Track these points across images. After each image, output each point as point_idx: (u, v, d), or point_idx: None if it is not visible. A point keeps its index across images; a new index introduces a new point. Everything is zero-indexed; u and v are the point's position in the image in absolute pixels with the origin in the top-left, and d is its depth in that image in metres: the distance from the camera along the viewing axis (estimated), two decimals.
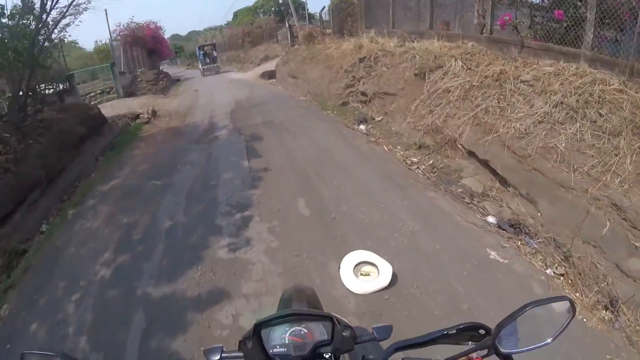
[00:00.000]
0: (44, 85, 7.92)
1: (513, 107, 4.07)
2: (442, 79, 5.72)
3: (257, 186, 4.49)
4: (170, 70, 26.60)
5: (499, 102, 4.31)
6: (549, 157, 3.42)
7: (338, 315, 0.82)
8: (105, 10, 14.60)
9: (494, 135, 4.07)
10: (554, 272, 2.88)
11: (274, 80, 14.56)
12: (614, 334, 2.48)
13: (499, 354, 0.68)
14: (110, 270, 3.31)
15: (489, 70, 4.93)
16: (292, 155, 5.52)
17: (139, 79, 15.67)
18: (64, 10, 6.85)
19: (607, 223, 2.90)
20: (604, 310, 2.63)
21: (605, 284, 2.78)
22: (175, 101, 12.61)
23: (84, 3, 7.18)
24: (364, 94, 7.65)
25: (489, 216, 3.65)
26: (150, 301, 2.83)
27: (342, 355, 0.82)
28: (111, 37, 17.28)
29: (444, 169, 4.75)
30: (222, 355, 0.77)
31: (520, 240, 3.21)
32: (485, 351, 0.69)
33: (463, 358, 0.72)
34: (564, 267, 2.93)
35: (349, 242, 3.19)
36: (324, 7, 15.69)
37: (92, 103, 10.81)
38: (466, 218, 3.51)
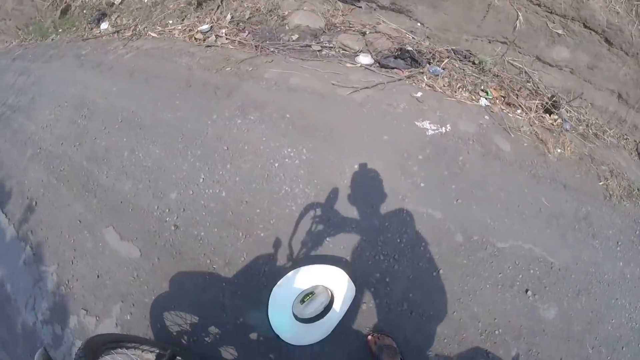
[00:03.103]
0: None
1: None
2: None
3: None
4: None
5: None
6: None
7: None
8: None
9: None
10: (487, 100, 2.08)
11: None
12: (567, 135, 2.03)
13: None
14: None
15: None
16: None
17: None
18: None
19: (519, 14, 2.14)
20: (548, 115, 2.11)
21: (532, 82, 2.20)
22: None
23: None
24: None
25: (360, 55, 2.41)
26: None
27: None
28: None
29: (254, 18, 2.95)
30: None
31: (426, 74, 2.18)
32: None
33: None
34: (487, 84, 2.16)
35: None
36: None
37: None
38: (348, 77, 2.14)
